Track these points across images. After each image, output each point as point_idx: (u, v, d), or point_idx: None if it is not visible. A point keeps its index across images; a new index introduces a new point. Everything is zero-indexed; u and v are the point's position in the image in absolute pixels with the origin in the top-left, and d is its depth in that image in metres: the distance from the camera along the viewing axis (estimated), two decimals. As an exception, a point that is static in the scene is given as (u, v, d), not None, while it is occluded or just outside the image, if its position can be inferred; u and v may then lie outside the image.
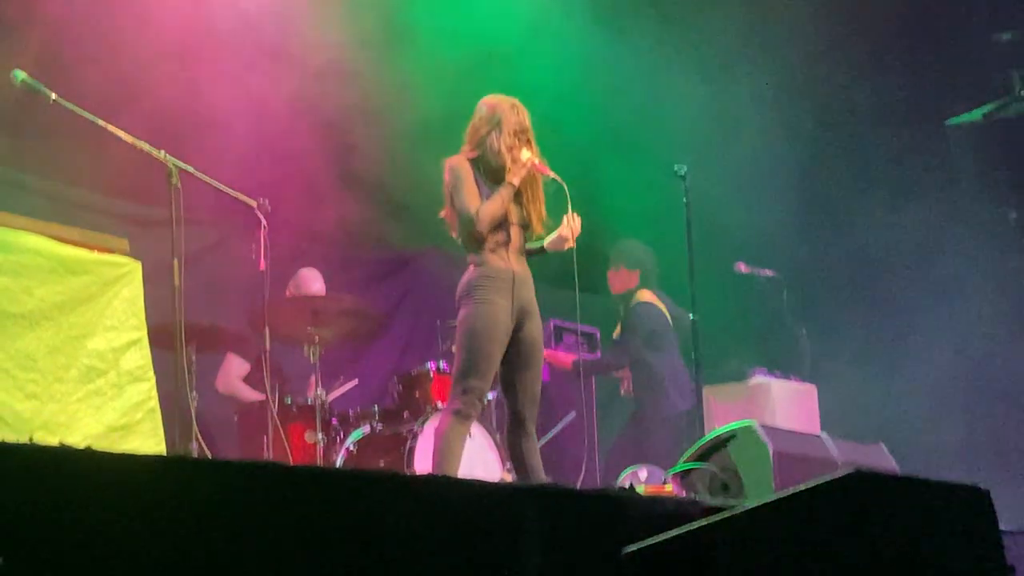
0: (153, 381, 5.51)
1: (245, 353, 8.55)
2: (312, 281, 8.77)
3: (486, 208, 6.11)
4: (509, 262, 6.19)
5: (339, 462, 7.77)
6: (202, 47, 8.04)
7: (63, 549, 3.07)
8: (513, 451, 6.26)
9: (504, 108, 6.29)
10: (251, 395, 8.46)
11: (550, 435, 9.63)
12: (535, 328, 6.27)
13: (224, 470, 3.69)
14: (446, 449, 6.04)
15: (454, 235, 6.36)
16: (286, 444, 7.24)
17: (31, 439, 4.49)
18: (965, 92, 9.50)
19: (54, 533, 3.08)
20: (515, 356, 6.22)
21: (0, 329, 5.01)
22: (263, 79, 8.35)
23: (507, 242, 6.22)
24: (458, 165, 6.23)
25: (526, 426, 6.23)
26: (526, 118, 6.31)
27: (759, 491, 6.32)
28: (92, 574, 3.14)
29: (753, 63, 9.86)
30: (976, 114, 9.20)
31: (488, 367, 6.11)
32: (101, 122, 5.81)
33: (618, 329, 9.74)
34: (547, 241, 6.37)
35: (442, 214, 6.34)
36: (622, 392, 9.80)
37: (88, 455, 3.35)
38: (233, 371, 8.66)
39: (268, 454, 7.31)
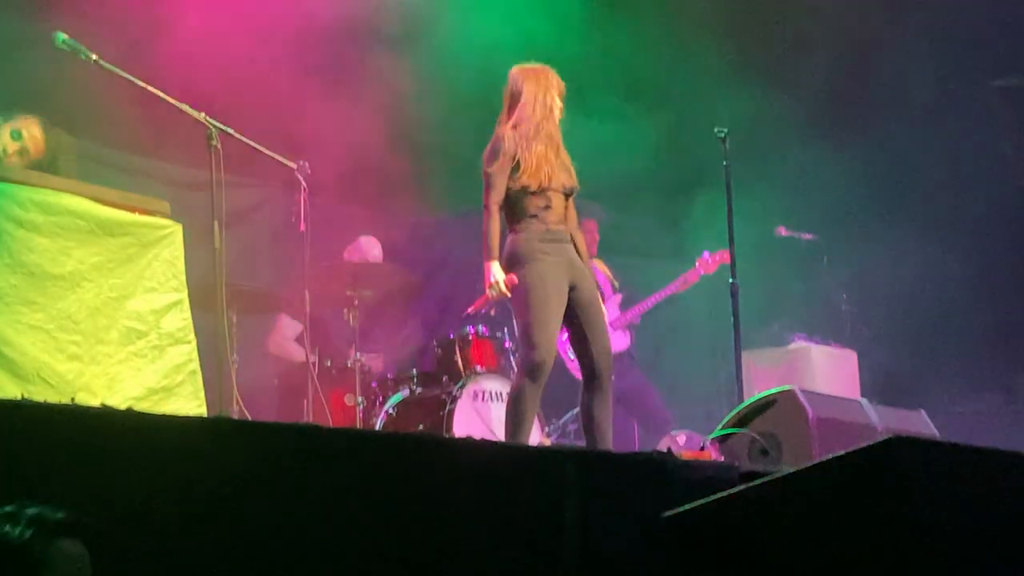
0: (194, 343, 5.53)
1: (296, 314, 8.53)
2: (371, 248, 8.78)
3: (488, 222, 6.16)
4: (548, 224, 6.21)
5: (378, 425, 7.80)
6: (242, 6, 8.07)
7: (104, 508, 3.09)
8: (585, 410, 6.23)
9: (536, 78, 6.32)
10: (302, 356, 8.43)
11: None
12: (589, 284, 6.31)
13: (264, 432, 3.71)
14: (520, 411, 6.04)
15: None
16: (326, 407, 7.27)
17: (73, 400, 4.53)
18: (1012, 53, 9.41)
19: (95, 492, 3.11)
20: (577, 315, 6.25)
21: (41, 290, 5.03)
22: (305, 38, 8.36)
23: (546, 207, 6.23)
24: (500, 139, 6.23)
25: (602, 384, 6.21)
26: (558, 84, 6.35)
27: (798, 456, 6.31)
28: (133, 532, 3.17)
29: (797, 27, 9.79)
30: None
31: (552, 324, 6.10)
32: (141, 83, 5.81)
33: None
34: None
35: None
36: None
37: (129, 416, 3.37)
38: (285, 332, 8.65)
39: (308, 417, 7.33)
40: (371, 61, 8.79)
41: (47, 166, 5.76)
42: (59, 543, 2.73)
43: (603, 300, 9.61)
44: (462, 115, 8.07)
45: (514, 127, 6.25)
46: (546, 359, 6.05)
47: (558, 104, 6.35)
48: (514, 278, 6.07)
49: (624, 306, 9.70)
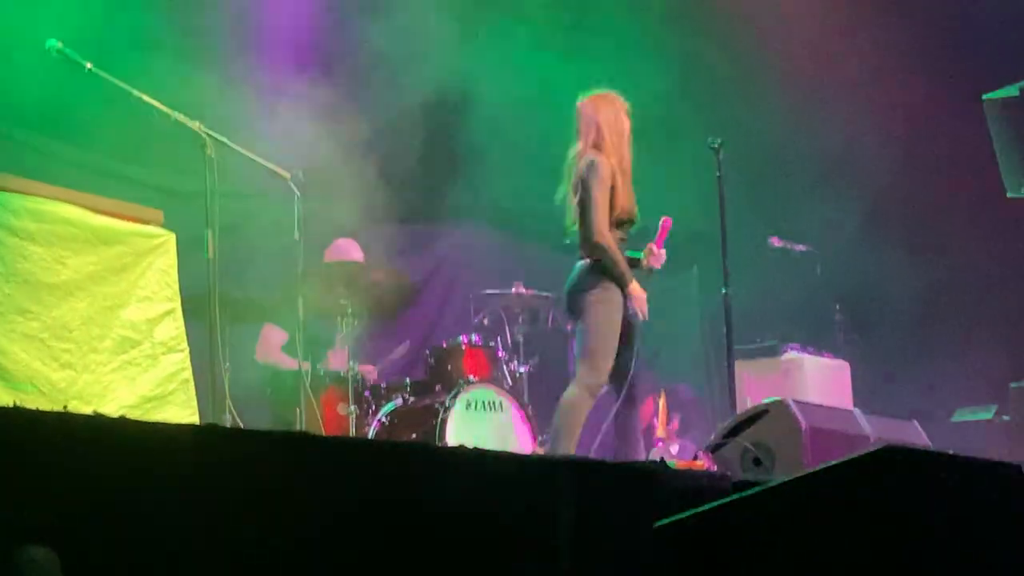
0: (187, 352, 5.53)
1: (283, 324, 8.49)
2: (351, 248, 8.72)
3: (612, 251, 6.34)
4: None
5: (371, 434, 7.78)
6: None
7: (96, 516, 3.08)
8: (620, 426, 6.52)
9: (607, 105, 6.51)
10: (290, 364, 8.39)
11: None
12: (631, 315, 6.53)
13: (256, 441, 3.70)
14: (573, 420, 6.30)
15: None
16: (319, 416, 7.26)
17: (65, 408, 4.52)
18: (1001, 67, 9.42)
19: (87, 501, 3.10)
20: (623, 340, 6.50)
21: (35, 299, 5.03)
22: (304, 43, 8.38)
23: (623, 239, 6.49)
24: (602, 168, 6.36)
25: (636, 401, 6.57)
26: (624, 106, 6.57)
27: (791, 466, 6.31)
28: (124, 541, 3.16)
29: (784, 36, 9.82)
30: (1012, 89, 9.11)
31: (614, 350, 6.39)
32: (136, 92, 5.81)
33: None
34: (644, 260, 6.64)
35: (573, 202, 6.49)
36: None
37: (121, 424, 3.36)
38: (272, 341, 8.61)
39: (300, 426, 7.32)
40: (370, 67, 8.82)
41: None
42: (28, 550, 2.71)
43: None
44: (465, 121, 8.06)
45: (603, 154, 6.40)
46: (605, 382, 6.41)
47: (627, 125, 6.49)
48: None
49: None
